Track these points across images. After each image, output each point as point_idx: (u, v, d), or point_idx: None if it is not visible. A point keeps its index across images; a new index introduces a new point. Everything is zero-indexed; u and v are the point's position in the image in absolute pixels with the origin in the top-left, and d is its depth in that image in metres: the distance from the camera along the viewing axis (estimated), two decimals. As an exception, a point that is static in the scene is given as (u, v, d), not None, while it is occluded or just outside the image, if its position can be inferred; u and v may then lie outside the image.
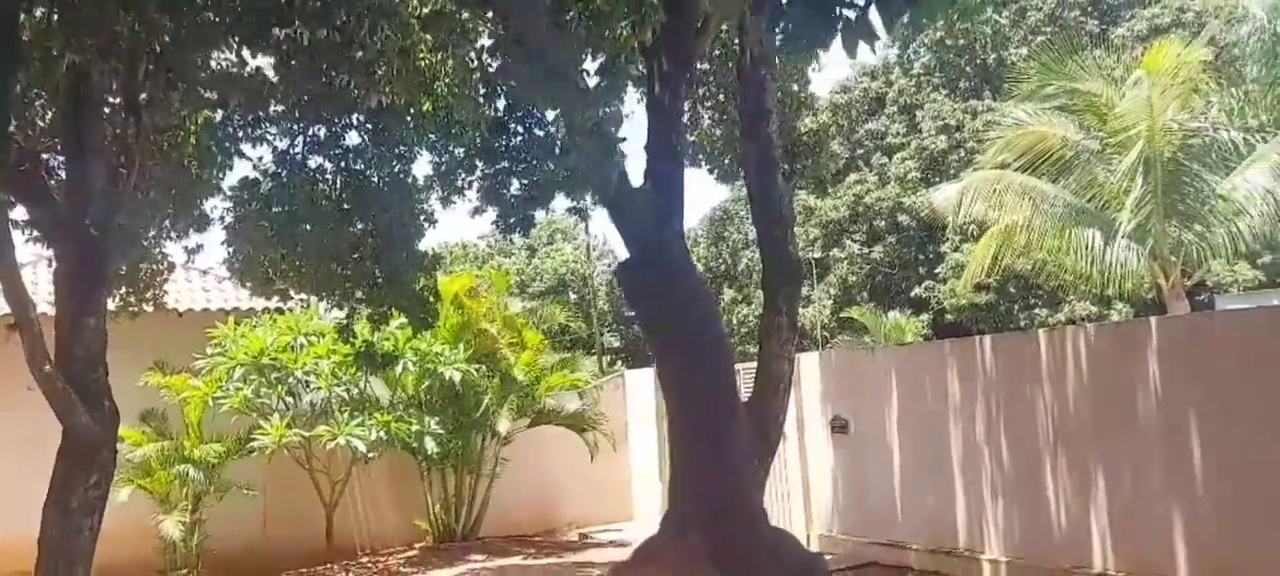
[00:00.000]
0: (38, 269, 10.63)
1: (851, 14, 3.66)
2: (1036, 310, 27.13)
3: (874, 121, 31.29)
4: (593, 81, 6.88)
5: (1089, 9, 29.28)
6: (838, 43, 3.74)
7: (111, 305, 7.60)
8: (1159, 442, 8.09)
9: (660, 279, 7.05)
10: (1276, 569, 7.19)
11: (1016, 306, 27.52)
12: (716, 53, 9.29)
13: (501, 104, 9.09)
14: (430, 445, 13.26)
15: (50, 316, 7.03)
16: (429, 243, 9.43)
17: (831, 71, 44.21)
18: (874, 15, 3.69)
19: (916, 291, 29.26)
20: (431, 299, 9.40)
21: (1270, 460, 7.29)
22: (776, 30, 3.98)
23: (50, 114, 7.17)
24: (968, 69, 31.00)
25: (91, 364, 6.69)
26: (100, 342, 6.75)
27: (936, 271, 28.57)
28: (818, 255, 30.21)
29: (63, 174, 7.10)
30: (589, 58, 7.25)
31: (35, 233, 7.47)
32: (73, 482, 6.74)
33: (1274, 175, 13.80)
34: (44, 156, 7.13)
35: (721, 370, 7.15)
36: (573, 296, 34.62)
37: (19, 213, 7.11)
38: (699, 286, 7.73)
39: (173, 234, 8.56)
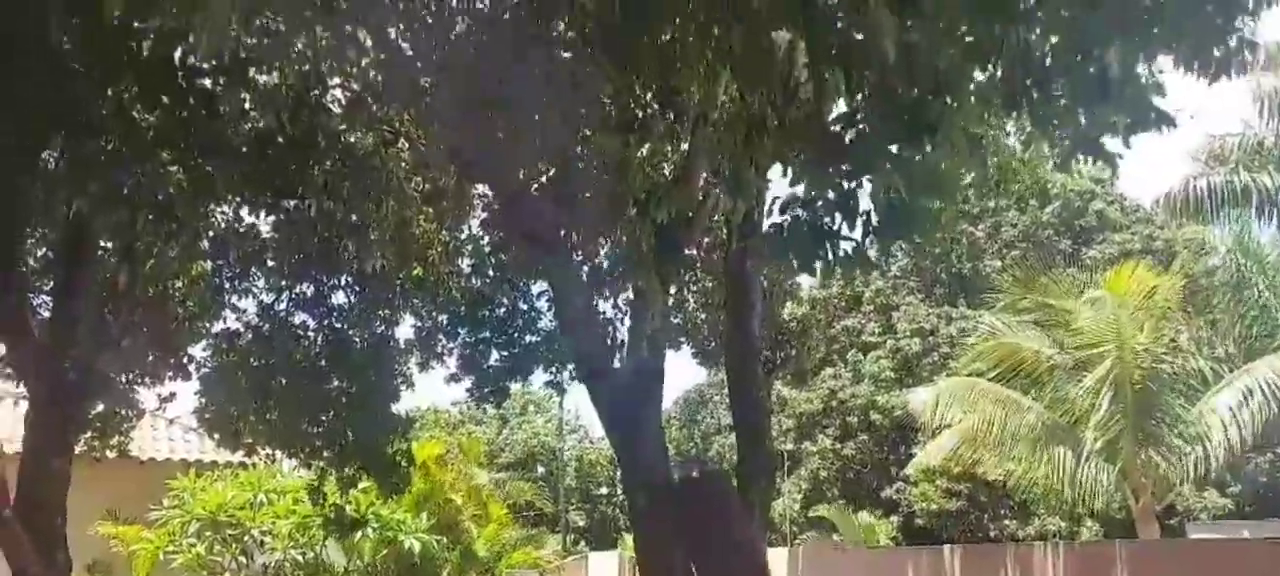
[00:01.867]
0: (3, 406, 10.47)
1: (848, 247, 3.80)
2: (1006, 521, 26.93)
3: (850, 318, 31.73)
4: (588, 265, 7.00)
5: (1062, 229, 30.21)
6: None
7: (76, 449, 7.45)
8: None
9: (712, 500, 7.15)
10: None
11: (986, 515, 27.32)
12: (705, 240, 9.51)
13: (490, 275, 9.21)
14: (384, 620, 12.84)
15: (11, 455, 6.89)
16: (403, 406, 9.34)
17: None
18: (870, 245, 3.83)
19: (887, 492, 29.04)
20: (403, 464, 9.27)
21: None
22: (772, 255, 4.14)
23: (41, 252, 7.21)
24: (943, 275, 31.70)
25: (52, 511, 6.52)
26: (62, 489, 6.60)
27: (907, 473, 28.47)
28: (790, 447, 30.09)
29: (46, 313, 7.08)
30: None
31: (8, 370, 7.39)
32: (14, 632, 6.45)
33: (1239, 403, 13.97)
34: (29, 295, 7.11)
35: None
36: (541, 470, 34.19)
37: (-4, 349, 7.06)
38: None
39: (147, 380, 8.48)
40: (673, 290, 9.20)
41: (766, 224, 5.34)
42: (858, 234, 3.88)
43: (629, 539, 20.64)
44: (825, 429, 30.48)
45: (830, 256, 3.86)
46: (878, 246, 4.12)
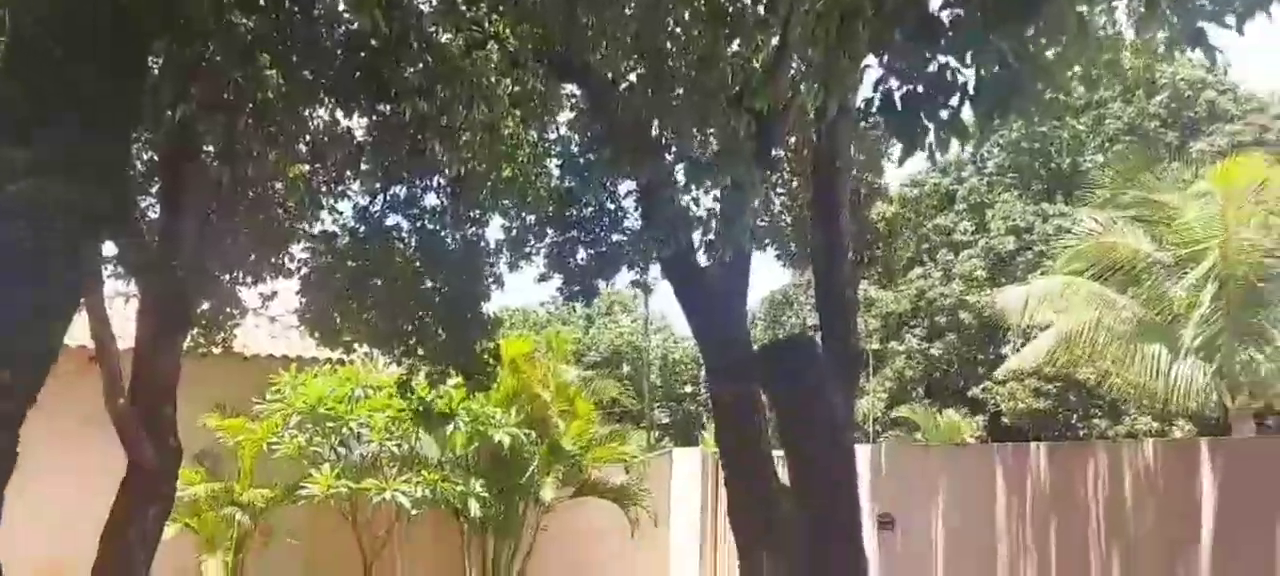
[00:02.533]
0: (114, 304, 10.93)
1: (945, 114, 3.72)
2: (1096, 421, 26.56)
3: (942, 217, 31.15)
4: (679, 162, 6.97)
5: (1169, 121, 29.04)
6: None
7: (184, 345, 7.78)
8: (1212, 569, 7.86)
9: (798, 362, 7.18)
10: None
11: (1075, 415, 26.97)
12: (792, 139, 9.39)
13: (578, 175, 9.24)
14: (474, 508, 13.27)
15: (124, 350, 7.22)
16: (492, 306, 9.51)
17: (907, 164, 44.22)
18: (967, 114, 3.75)
19: (974, 392, 28.83)
20: (492, 362, 9.48)
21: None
22: (871, 132, 4.07)
23: (147, 155, 7.45)
24: (1042, 172, 30.81)
25: (162, 401, 6.85)
26: (173, 380, 6.92)
27: (996, 373, 28.17)
28: (876, 347, 29.94)
29: (153, 215, 7.34)
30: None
31: (119, 269, 7.71)
32: (133, 515, 6.85)
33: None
34: (137, 197, 7.38)
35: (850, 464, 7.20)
36: (626, 369, 34.64)
37: (108, 248, 7.35)
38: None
39: (250, 280, 8.77)
40: (761, 188, 9.13)
41: (858, 99, 5.25)
42: (955, 102, 3.80)
43: (708, 436, 20.93)
44: (912, 329, 30.23)
45: (928, 129, 3.78)
46: (976, 121, 4.02)
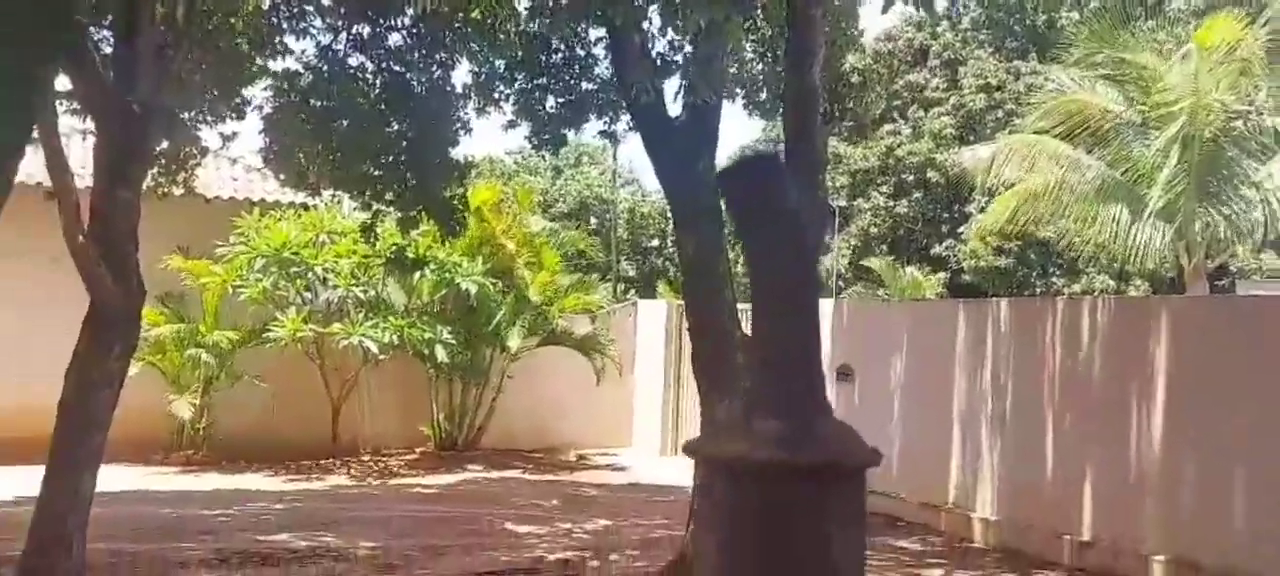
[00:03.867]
0: (72, 141, 10.70)
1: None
2: (1054, 279, 27.05)
3: (915, 73, 30.90)
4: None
5: (1144, -22, 28.71)
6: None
7: (144, 184, 7.65)
8: (1162, 421, 8.12)
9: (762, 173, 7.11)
10: (1254, 549, 7.25)
11: (1035, 273, 27.43)
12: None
13: (547, 19, 9.01)
14: (441, 353, 13.40)
15: (84, 189, 7.09)
16: (461, 152, 9.39)
17: (879, 18, 43.60)
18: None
19: (937, 249, 29.16)
20: (461, 208, 9.43)
21: (1274, 446, 7.33)
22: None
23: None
24: (1016, 28, 30.51)
25: (123, 238, 6.75)
26: (133, 218, 6.81)
27: (960, 231, 28.46)
28: (842, 204, 30.07)
29: (108, 49, 7.10)
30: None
31: (74, 105, 7.51)
32: (96, 352, 6.83)
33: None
34: (91, 29, 7.12)
35: (815, 287, 7.25)
36: (593, 221, 34.62)
37: (61, 83, 7.13)
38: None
39: (210, 118, 8.58)
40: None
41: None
42: None
43: (664, 288, 21.11)
44: (880, 186, 30.32)
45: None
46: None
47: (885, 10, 5.99)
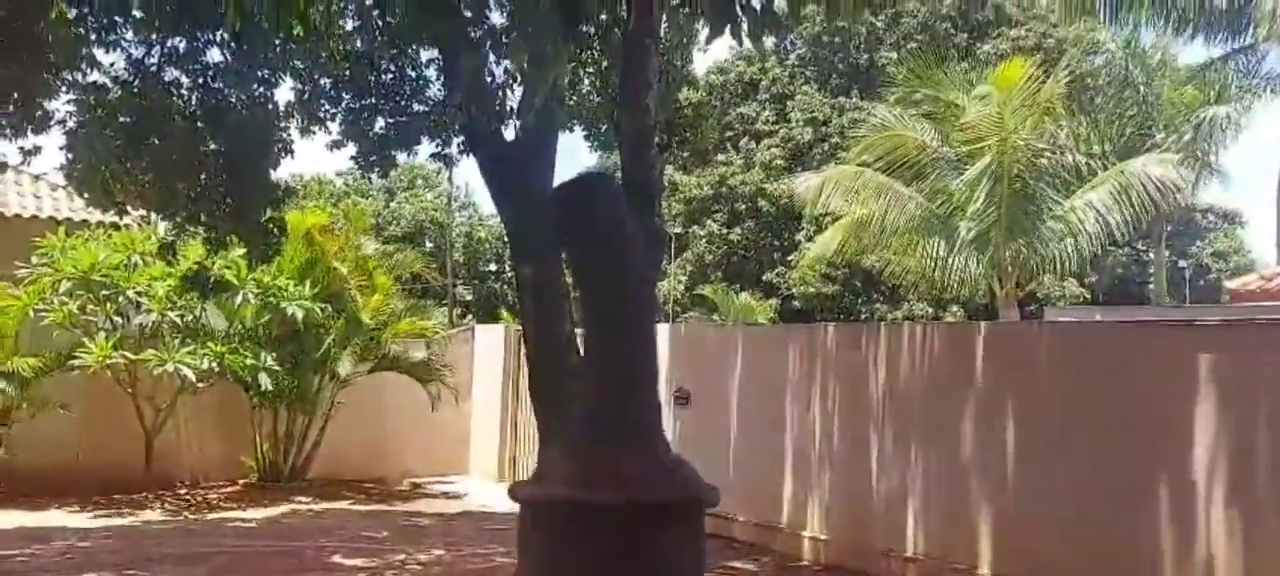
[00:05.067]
0: None
1: (758, 3, 3.71)
2: (877, 305, 28.22)
3: (745, 106, 31.82)
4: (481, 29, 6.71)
5: (960, 22, 30.43)
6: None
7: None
8: (979, 439, 8.52)
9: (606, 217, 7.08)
10: (1071, 563, 7.69)
11: (860, 300, 28.56)
12: (602, 16, 9.24)
13: (376, 38, 8.80)
14: (264, 381, 12.83)
15: None
16: (283, 173, 9.06)
17: (712, 50, 44.60)
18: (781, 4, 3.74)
19: (768, 276, 30.00)
20: (275, 232, 9.06)
21: (1083, 462, 7.78)
22: (683, 12, 4.00)
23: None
24: (840, 66, 31.84)
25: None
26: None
27: (790, 259, 29.37)
28: (678, 231, 30.60)
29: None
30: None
31: None
32: None
33: (1112, 199, 14.66)
34: None
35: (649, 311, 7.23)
36: (429, 244, 34.04)
37: None
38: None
39: (9, 132, 7.98)
40: (568, 68, 8.97)
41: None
42: None
43: (505, 313, 20.96)
44: (714, 214, 31.02)
45: (739, 13, 3.77)
46: (789, 7, 4.02)
47: (706, 45, 6.10)
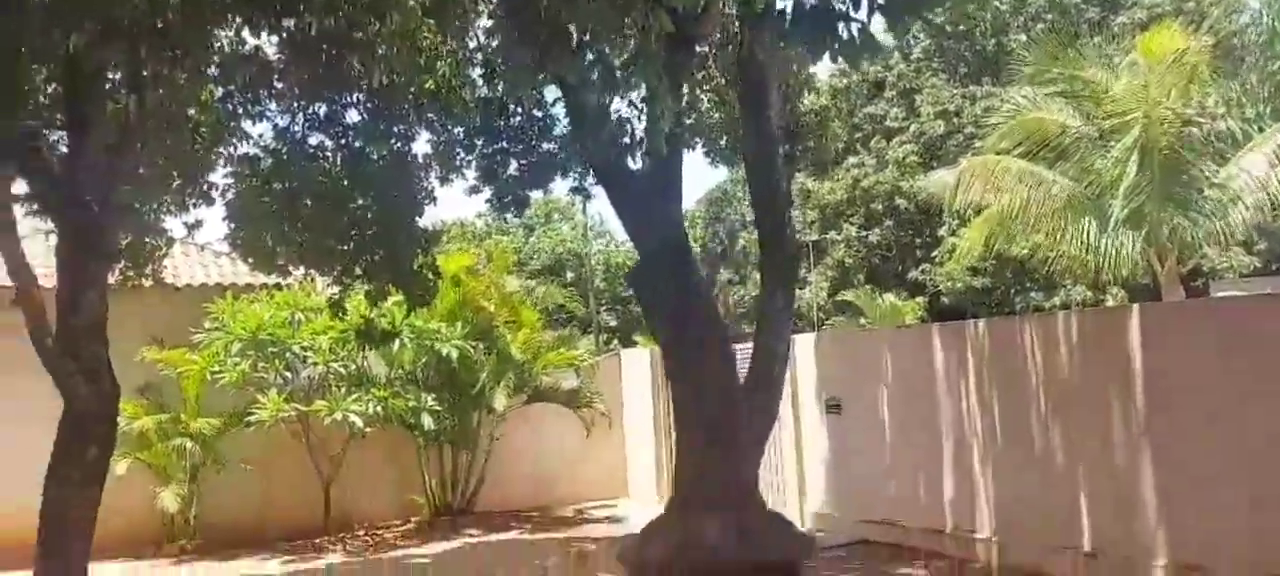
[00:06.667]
0: (35, 242, 10.68)
1: (855, 28, 3.68)
2: (1031, 294, 27.19)
3: (873, 106, 31.29)
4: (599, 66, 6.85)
5: (1090, -4, 29.23)
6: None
7: (111, 279, 7.64)
8: (1148, 425, 8.17)
9: (666, 279, 7.50)
10: (1258, 548, 7.27)
11: (1012, 290, 27.59)
12: (716, 36, 9.31)
13: (501, 85, 9.10)
14: (427, 421, 13.38)
15: (50, 289, 7.07)
16: (428, 220, 9.44)
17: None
18: (877, 22, 3.71)
19: (913, 274, 29.34)
20: (430, 276, 9.45)
21: (1255, 447, 7.38)
22: (780, 43, 4.02)
23: (51, 87, 7.19)
24: (967, 54, 30.99)
25: (92, 338, 6.73)
26: (100, 317, 6.79)
27: (933, 255, 28.66)
28: (815, 238, 30.26)
29: (63, 148, 7.12)
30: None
31: (35, 206, 7.50)
32: (73, 455, 6.79)
33: (1269, 164, 13.82)
34: (44, 131, 7.14)
35: (722, 363, 7.58)
36: (570, 275, 34.66)
37: (19, 186, 7.14)
38: (701, 284, 8.13)
39: (173, 208, 8.60)
40: (686, 89, 9.07)
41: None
42: (864, 15, 3.76)
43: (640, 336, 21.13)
44: (850, 217, 30.55)
45: (836, 41, 3.75)
46: (889, 26, 4.01)
47: (812, 66, 6.08)
